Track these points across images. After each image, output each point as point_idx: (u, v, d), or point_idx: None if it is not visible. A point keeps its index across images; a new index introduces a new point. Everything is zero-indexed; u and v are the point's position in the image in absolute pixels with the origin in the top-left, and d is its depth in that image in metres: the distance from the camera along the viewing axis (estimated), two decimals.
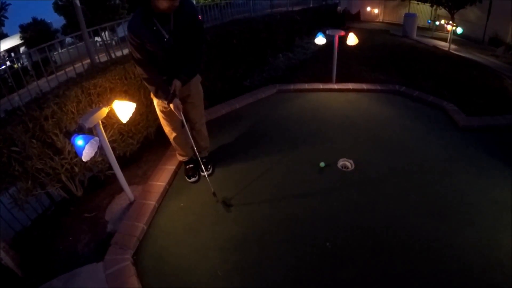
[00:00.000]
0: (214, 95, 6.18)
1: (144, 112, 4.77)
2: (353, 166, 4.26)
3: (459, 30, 14.84)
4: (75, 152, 3.60)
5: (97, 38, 13.48)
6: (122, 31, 10.60)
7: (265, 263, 3.01)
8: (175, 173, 4.24)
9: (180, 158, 4.24)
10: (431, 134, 5.14)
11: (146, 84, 3.39)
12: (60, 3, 27.06)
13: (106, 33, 9.79)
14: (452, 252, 3.07)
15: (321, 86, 6.80)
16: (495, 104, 6.63)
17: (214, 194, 3.72)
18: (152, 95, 3.61)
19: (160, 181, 4.01)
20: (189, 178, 4.12)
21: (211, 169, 4.23)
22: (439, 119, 5.64)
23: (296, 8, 15.87)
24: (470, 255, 3.04)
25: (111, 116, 3.72)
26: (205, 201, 3.74)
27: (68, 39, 16.37)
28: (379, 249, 3.13)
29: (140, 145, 4.78)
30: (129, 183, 3.87)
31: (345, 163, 4.31)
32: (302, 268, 2.96)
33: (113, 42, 9.82)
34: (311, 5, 22.43)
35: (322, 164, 4.30)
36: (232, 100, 6.04)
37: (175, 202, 3.79)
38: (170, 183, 4.05)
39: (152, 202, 3.68)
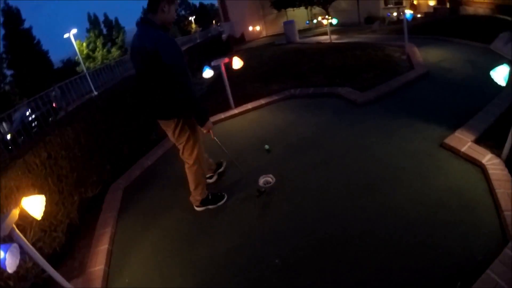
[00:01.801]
0: (124, 159, 5.99)
1: (59, 199, 4.52)
2: (274, 179, 4.27)
3: (334, 21, 15.74)
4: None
5: None
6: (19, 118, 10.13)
7: None
8: (110, 252, 3.97)
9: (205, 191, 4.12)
10: (336, 120, 5.41)
11: (195, 104, 3.33)
12: None
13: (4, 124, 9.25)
14: (396, 212, 3.26)
15: (222, 115, 6.84)
16: (384, 72, 7.14)
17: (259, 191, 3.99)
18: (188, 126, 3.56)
19: (98, 265, 3.72)
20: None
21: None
22: (339, 105, 5.93)
23: (183, 48, 16.10)
24: (412, 207, 3.27)
25: (26, 215, 3.47)
26: (147, 268, 3.56)
27: None
28: (325, 244, 3.14)
29: (67, 235, 4.45)
30: (70, 278, 3.60)
31: (266, 179, 4.30)
32: None
33: (8, 136, 9.23)
34: (198, 41, 22.88)
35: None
36: (142, 158, 5.85)
37: (120, 280, 3.55)
38: (108, 264, 3.79)
39: None
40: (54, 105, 10.36)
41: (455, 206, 3.15)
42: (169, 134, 3.70)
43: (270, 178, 4.28)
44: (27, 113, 11.25)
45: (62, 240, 4.34)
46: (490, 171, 3.39)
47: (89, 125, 5.56)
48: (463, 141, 3.97)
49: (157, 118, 3.59)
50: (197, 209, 4.17)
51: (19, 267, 3.45)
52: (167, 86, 3.26)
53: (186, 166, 3.94)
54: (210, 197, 4.13)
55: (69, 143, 5.05)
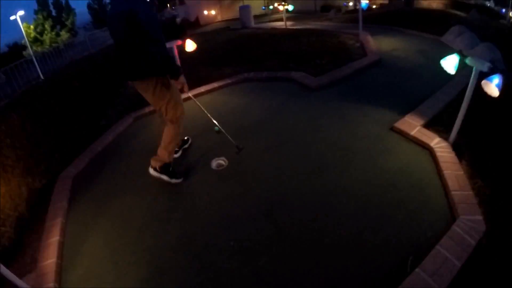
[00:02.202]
0: (74, 146, 5.73)
1: (5, 191, 4.28)
2: (227, 162, 4.27)
3: (290, 8, 15.76)
4: None
5: None
6: None
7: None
8: (62, 244, 3.80)
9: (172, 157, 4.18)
10: (289, 104, 5.45)
11: (169, 59, 3.63)
12: None
13: None
14: (347, 192, 3.38)
15: None
16: (338, 58, 7.25)
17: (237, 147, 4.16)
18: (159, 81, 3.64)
19: (50, 258, 3.56)
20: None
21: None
22: (293, 89, 5.97)
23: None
24: (363, 187, 3.41)
25: None
26: (101, 259, 3.46)
27: None
28: (278, 226, 3.19)
29: (17, 229, 4.22)
30: (22, 275, 3.43)
31: (219, 161, 4.31)
32: (218, 275, 2.90)
33: None
34: None
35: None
36: (92, 144, 5.64)
37: (73, 272, 3.42)
38: (60, 257, 3.63)
39: (50, 284, 3.26)
40: None
41: (405, 186, 3.30)
42: (148, 96, 3.79)
43: (222, 161, 4.30)
44: None
45: (12, 235, 4.13)
46: (438, 154, 3.57)
47: (35, 111, 5.30)
48: (413, 125, 4.13)
49: (134, 79, 3.69)
50: (152, 172, 4.19)
51: None
52: (143, 46, 3.36)
53: (167, 125, 4.02)
54: (171, 168, 4.16)
55: (15, 130, 4.79)
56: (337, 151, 4.03)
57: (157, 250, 3.32)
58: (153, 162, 4.17)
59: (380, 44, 8.24)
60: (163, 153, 4.07)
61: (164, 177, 4.14)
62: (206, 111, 4.37)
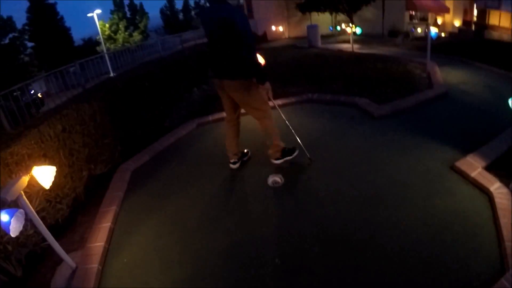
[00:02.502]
0: (137, 142, 6.06)
1: (68, 173, 4.58)
2: (283, 179, 4.30)
3: (358, 31, 15.74)
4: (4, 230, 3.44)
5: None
6: (38, 87, 10.11)
7: None
8: (112, 230, 4.01)
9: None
10: (350, 130, 5.42)
11: (259, 64, 4.01)
12: None
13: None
14: (398, 230, 3.25)
15: None
16: (403, 87, 7.15)
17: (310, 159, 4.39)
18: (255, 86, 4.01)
19: (98, 241, 3.76)
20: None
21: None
22: (355, 114, 5.94)
23: (205, 40, 16.13)
24: (415, 226, 3.26)
25: (34, 184, 3.52)
26: (147, 250, 3.60)
27: None
28: (325, 250, 3.16)
29: (71, 209, 4.53)
30: (68, 251, 3.63)
31: (275, 178, 4.34)
32: None
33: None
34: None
35: None
36: (155, 143, 5.91)
37: (118, 259, 3.58)
38: (109, 241, 3.83)
39: (94, 265, 3.44)
40: (40, 95, 9.89)
41: (458, 230, 3.16)
42: (236, 95, 4.12)
43: (279, 178, 4.32)
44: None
45: (66, 213, 4.41)
46: (497, 200, 3.38)
47: (106, 104, 5.63)
48: (474, 166, 3.95)
49: (226, 78, 4.02)
50: (275, 162, 4.60)
51: (20, 233, 3.51)
52: (237, 50, 3.77)
53: (260, 123, 4.43)
54: (286, 149, 4.56)
55: (85, 119, 5.11)
56: (394, 184, 3.95)
57: (203, 254, 3.39)
58: (272, 155, 4.58)
59: (447, 75, 8.08)
60: (275, 143, 4.46)
61: (288, 158, 4.57)
62: (287, 122, 4.57)
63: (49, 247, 3.64)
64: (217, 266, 3.21)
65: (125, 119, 6.06)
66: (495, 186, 3.57)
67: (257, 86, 4.01)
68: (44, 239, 3.56)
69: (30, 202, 3.37)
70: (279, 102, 6.85)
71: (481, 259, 2.85)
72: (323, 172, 4.40)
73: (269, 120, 4.36)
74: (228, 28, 3.67)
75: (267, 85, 3.98)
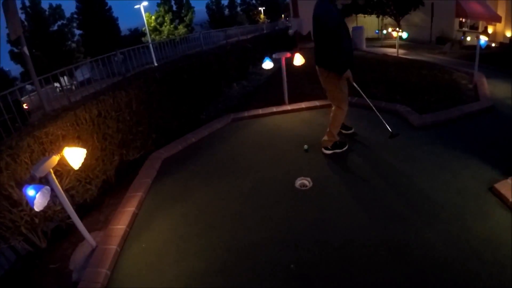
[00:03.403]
0: (171, 132, 6.18)
1: (100, 156, 4.75)
2: (311, 183, 4.24)
3: (405, 35, 15.38)
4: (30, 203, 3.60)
5: (56, 84, 13.08)
6: (80, 75, 10.34)
7: None
8: (135, 215, 4.15)
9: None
10: (388, 138, 5.18)
11: (334, 60, 4.45)
12: (15, 51, 27.22)
13: (65, 78, 9.60)
14: (425, 250, 3.08)
15: (274, 109, 6.85)
16: (447, 98, 6.89)
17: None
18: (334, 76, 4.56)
19: (121, 224, 3.91)
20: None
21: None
22: (394, 122, 5.72)
23: (248, 36, 16.12)
24: (444, 249, 3.06)
25: (66, 163, 3.63)
26: (166, 239, 3.69)
27: (28, 86, 15.92)
28: (342, 263, 3.08)
29: (100, 190, 4.75)
30: (91, 230, 3.85)
31: (303, 181, 4.29)
32: None
33: (73, 87, 9.48)
34: (264, 32, 22.83)
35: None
36: (188, 134, 6.00)
37: (137, 243, 3.71)
38: (130, 226, 3.97)
39: (113, 246, 3.59)
40: (25, 106, 9.24)
41: (489, 258, 2.93)
42: (322, 80, 4.80)
43: (307, 182, 4.28)
44: None
45: (94, 194, 4.66)
46: None
47: (143, 93, 5.69)
48: None
49: (316, 64, 4.75)
50: (325, 151, 4.93)
51: (48, 208, 3.75)
52: (325, 43, 4.43)
53: (334, 110, 4.83)
54: (338, 143, 4.93)
55: (121, 106, 5.20)
56: (426, 202, 3.73)
57: (220, 250, 3.42)
58: (324, 143, 4.93)
59: (495, 89, 7.64)
60: (332, 133, 4.84)
61: (338, 151, 4.91)
62: (361, 92, 4.90)
63: (74, 224, 3.78)
64: (232, 264, 3.25)
65: (161, 109, 6.12)
66: None
67: (337, 77, 4.53)
68: (69, 216, 3.68)
69: (60, 180, 3.56)
70: (316, 103, 6.86)
71: None
72: (354, 181, 4.30)
73: (341, 112, 4.77)
74: (320, 25, 4.36)
75: (346, 74, 4.48)
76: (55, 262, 3.71)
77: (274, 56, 6.74)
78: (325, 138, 4.89)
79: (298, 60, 6.55)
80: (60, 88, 11.23)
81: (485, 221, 3.37)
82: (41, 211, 3.36)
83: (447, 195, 3.79)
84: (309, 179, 4.31)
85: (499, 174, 4.04)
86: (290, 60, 6.71)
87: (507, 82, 8.37)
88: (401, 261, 3.00)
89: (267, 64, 6.80)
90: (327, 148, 4.90)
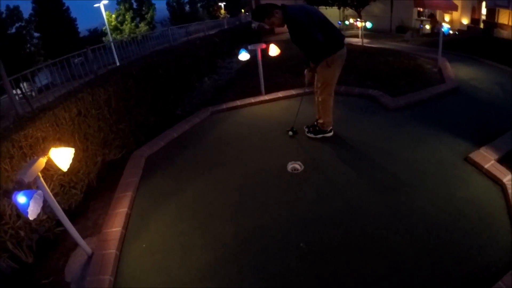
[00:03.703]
0: (150, 129, 6.10)
1: (82, 157, 4.53)
2: (302, 166, 4.35)
3: (369, 25, 15.70)
4: (17, 215, 3.35)
5: (17, 91, 12.32)
6: (43, 78, 9.89)
7: (247, 280, 2.94)
8: (129, 216, 3.95)
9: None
10: (365, 120, 5.50)
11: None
12: None
13: (25, 84, 9.15)
14: (417, 217, 3.33)
15: (252, 100, 6.91)
16: (415, 81, 7.26)
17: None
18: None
19: (115, 226, 3.69)
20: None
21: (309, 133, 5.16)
22: (369, 106, 6.00)
23: (212, 32, 16.10)
24: (433, 215, 3.33)
25: (48, 167, 3.51)
26: (166, 236, 3.58)
27: None
28: (349, 235, 3.23)
29: (83, 195, 4.48)
30: (82, 237, 3.50)
31: (294, 165, 4.39)
32: (284, 274, 2.93)
33: (33, 93, 9.00)
34: (225, 27, 22.80)
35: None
36: (168, 130, 5.92)
37: (137, 244, 3.53)
38: (126, 227, 3.76)
39: (112, 250, 3.37)
40: None
41: (474, 218, 3.23)
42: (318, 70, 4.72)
43: (298, 165, 4.38)
44: None
45: (79, 198, 4.38)
46: (510, 190, 3.46)
47: (121, 89, 5.63)
48: (487, 158, 4.03)
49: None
50: (309, 135, 5.12)
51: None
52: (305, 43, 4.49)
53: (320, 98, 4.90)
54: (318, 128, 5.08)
55: (100, 103, 5.08)
56: (411, 173, 4.01)
57: (226, 238, 3.39)
58: (321, 126, 5.05)
59: (458, 71, 8.07)
60: (322, 123, 4.98)
61: (322, 135, 5.05)
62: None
63: (61, 233, 3.64)
64: (241, 250, 3.23)
65: (139, 106, 6.09)
66: (508, 178, 3.65)
67: (323, 68, 4.56)
68: (58, 224, 3.51)
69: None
70: (292, 91, 6.97)
71: (497, 247, 2.93)
72: (341, 160, 4.46)
73: (326, 103, 4.86)
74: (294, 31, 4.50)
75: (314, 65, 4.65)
76: (48, 277, 3.39)
77: (249, 47, 6.80)
78: (320, 121, 5.01)
79: (273, 50, 6.64)
80: (22, 95, 10.76)
81: (465, 186, 3.71)
82: (25, 222, 3.17)
83: (430, 167, 4.11)
84: (299, 162, 4.42)
85: (471, 146, 4.43)
86: (264, 51, 6.81)
87: (468, 65, 8.83)
88: (398, 228, 3.21)
89: (244, 56, 6.87)
90: (321, 131, 5.06)
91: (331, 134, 5.06)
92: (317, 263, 2.99)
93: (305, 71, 4.90)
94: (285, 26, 4.49)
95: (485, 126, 5.06)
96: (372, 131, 5.15)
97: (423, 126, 5.12)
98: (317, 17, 4.38)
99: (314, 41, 4.21)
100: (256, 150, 4.98)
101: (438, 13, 25.75)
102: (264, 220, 3.56)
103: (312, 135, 5.08)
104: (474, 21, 22.63)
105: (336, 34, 4.57)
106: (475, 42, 12.26)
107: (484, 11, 21.51)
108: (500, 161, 4.03)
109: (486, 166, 3.89)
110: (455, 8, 22.69)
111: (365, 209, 3.53)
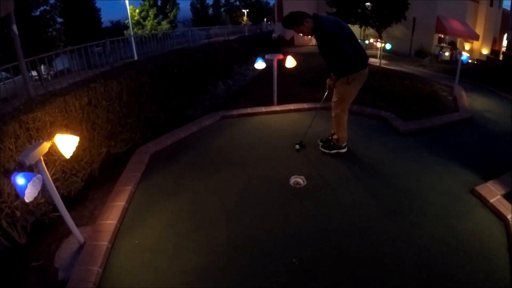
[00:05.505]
0: (158, 126, 6.12)
1: (87, 147, 4.54)
2: (305, 181, 4.32)
3: (388, 46, 15.68)
4: (15, 195, 3.35)
5: (33, 72, 12.44)
6: (61, 64, 9.92)
7: None
8: (126, 210, 3.94)
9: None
10: (375, 142, 5.43)
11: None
12: None
13: (42, 67, 9.15)
14: (414, 246, 3.24)
15: (263, 109, 6.91)
16: (429, 107, 7.19)
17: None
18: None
19: (110, 219, 3.68)
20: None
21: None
22: (380, 128, 5.95)
23: (232, 37, 16.17)
24: (431, 245, 3.24)
25: (52, 152, 3.48)
26: (160, 235, 3.55)
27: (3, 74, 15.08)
28: (343, 256, 3.17)
29: (84, 183, 4.49)
30: (77, 225, 3.49)
31: (297, 179, 4.36)
32: None
33: (48, 77, 9.02)
34: (246, 34, 22.91)
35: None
36: (176, 130, 5.93)
37: (129, 239, 3.51)
38: (121, 221, 3.75)
39: (104, 242, 3.35)
40: None
41: (473, 252, 3.15)
42: (337, 84, 4.79)
43: (301, 180, 4.35)
44: None
45: (79, 186, 4.39)
46: None
47: (134, 84, 5.64)
48: (493, 192, 3.94)
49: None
50: (324, 149, 5.10)
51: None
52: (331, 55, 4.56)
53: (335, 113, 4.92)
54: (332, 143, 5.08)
55: (112, 95, 5.08)
56: (414, 200, 3.95)
57: (219, 246, 3.36)
58: (336, 142, 5.05)
59: (473, 101, 8.04)
60: (336, 139, 5.00)
61: (336, 151, 5.04)
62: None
63: (57, 218, 3.62)
64: (233, 259, 3.19)
65: (151, 102, 6.10)
66: None
67: (342, 84, 4.66)
68: (54, 209, 3.49)
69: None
70: (304, 105, 6.96)
71: (493, 283, 2.85)
72: (345, 179, 4.41)
73: (344, 115, 4.90)
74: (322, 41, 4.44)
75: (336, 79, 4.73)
76: (38, 260, 3.38)
77: (266, 57, 6.81)
78: (335, 137, 5.03)
79: (290, 62, 6.65)
80: (37, 77, 10.80)
81: (468, 219, 3.62)
82: (23, 203, 3.17)
83: (434, 196, 4.03)
84: (303, 177, 4.39)
85: (478, 178, 4.34)
86: (281, 62, 6.81)
87: (483, 96, 8.76)
88: (394, 255, 3.14)
89: (260, 64, 6.88)
90: (325, 147, 5.08)
91: (345, 150, 5.04)
92: (307, 281, 2.94)
93: (328, 80, 4.93)
94: (311, 37, 4.52)
95: (495, 159, 4.98)
96: (380, 153, 5.10)
97: (433, 153, 5.05)
98: (348, 33, 4.39)
99: (343, 55, 4.23)
100: (261, 160, 4.96)
101: (458, 41, 25.74)
102: (259, 231, 3.53)
103: (326, 150, 5.07)
104: (494, 52, 22.60)
105: (362, 54, 4.58)
106: (494, 73, 12.18)
107: (505, 43, 21.43)
108: (506, 196, 3.95)
109: (492, 200, 3.81)
110: (476, 37, 22.71)
111: (363, 231, 3.47)
